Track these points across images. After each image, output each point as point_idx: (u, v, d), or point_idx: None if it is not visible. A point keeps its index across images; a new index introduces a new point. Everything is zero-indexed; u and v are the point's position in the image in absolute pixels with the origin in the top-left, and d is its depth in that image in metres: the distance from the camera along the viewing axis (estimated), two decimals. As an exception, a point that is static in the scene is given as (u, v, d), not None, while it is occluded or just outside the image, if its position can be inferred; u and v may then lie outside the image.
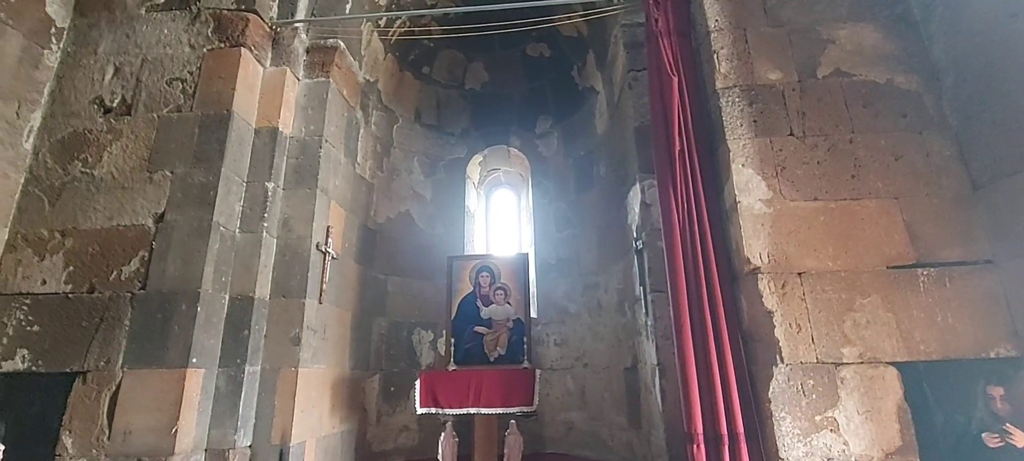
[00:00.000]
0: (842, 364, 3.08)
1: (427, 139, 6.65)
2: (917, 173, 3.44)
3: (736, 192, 3.49)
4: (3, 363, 3.51)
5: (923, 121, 3.56)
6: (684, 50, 4.08)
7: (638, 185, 4.33)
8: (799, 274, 3.27)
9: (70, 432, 3.32)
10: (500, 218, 7.35)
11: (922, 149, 3.49)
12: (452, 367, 4.49)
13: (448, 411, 3.98)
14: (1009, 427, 2.58)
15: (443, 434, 4.21)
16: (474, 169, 7.00)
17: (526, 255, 5.33)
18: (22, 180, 3.98)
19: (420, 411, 4.06)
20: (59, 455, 3.28)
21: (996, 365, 2.96)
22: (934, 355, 3.08)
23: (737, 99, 3.76)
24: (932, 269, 3.23)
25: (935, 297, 3.18)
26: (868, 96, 3.66)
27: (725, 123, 3.68)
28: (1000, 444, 2.58)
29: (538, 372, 4.17)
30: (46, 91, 4.22)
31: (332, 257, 4.45)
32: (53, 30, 4.33)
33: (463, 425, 4.33)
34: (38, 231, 3.83)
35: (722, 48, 3.92)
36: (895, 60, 3.73)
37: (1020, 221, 3.10)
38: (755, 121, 3.68)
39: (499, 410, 3.95)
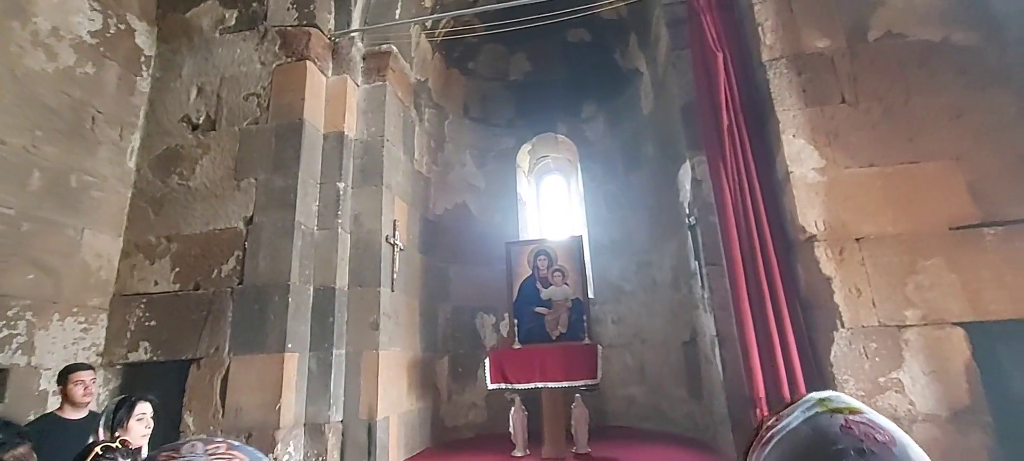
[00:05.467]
0: (905, 326, 3.12)
1: (476, 132, 6.91)
2: (979, 131, 3.38)
3: (788, 163, 3.54)
4: (129, 355, 4.04)
5: (985, 77, 3.49)
6: (727, 25, 4.12)
7: (688, 162, 4.42)
8: (857, 240, 3.31)
9: (190, 411, 3.81)
10: (551, 203, 7.56)
11: (985, 106, 3.43)
12: (517, 346, 4.77)
13: (516, 386, 4.25)
14: None
15: (513, 408, 4.49)
16: (523, 158, 7.22)
17: (580, 237, 5.52)
18: (129, 195, 4.50)
19: (491, 387, 4.35)
20: (182, 431, 3.77)
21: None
22: (1005, 315, 3.06)
23: (784, 70, 3.79)
24: (999, 228, 3.20)
25: (1003, 255, 3.15)
26: (924, 55, 3.61)
27: (773, 95, 3.73)
28: None
29: (599, 347, 4.38)
30: (141, 114, 4.73)
31: (399, 248, 4.79)
32: (142, 58, 4.83)
33: (530, 401, 4.59)
34: (147, 238, 4.35)
35: (766, 20, 3.94)
36: (951, 17, 3.65)
37: (1094, 173, 3.03)
38: (804, 90, 3.70)
39: (564, 384, 4.19)
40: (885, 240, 3.28)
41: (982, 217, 3.23)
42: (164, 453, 0.61)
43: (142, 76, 4.79)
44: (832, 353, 3.12)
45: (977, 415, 2.93)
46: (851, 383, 3.05)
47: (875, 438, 0.49)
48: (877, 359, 3.07)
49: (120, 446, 1.85)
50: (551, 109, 6.98)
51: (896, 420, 2.87)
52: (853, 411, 0.52)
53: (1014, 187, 3.24)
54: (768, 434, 0.54)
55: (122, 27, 4.54)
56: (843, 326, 3.15)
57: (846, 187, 3.44)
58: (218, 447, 0.63)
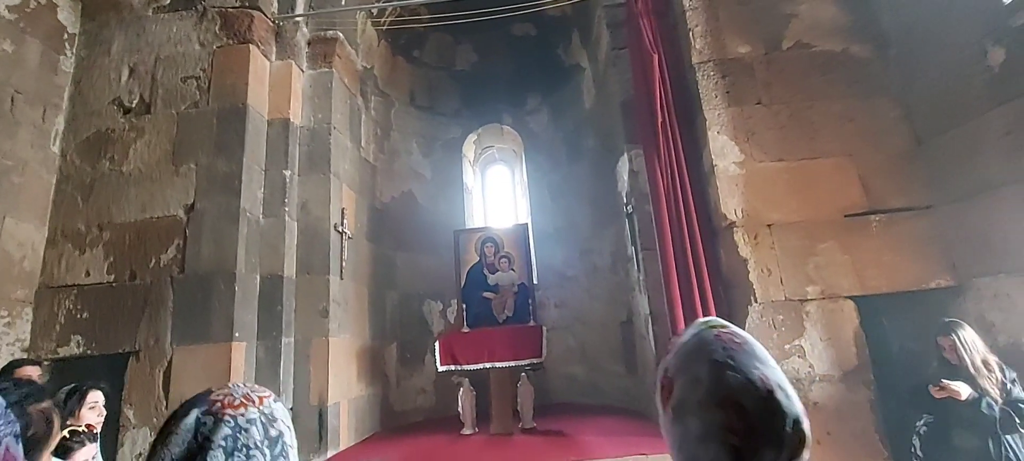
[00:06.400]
0: (807, 301, 3.60)
1: (422, 121, 6.97)
2: (867, 133, 3.92)
3: (713, 157, 3.94)
4: (59, 349, 3.85)
5: (872, 86, 4.03)
6: (663, 28, 4.47)
7: (626, 155, 4.76)
8: (768, 226, 3.76)
9: (131, 404, 3.70)
10: (497, 192, 7.75)
11: (871, 111, 3.97)
12: (466, 329, 4.94)
13: (466, 367, 4.44)
14: (944, 383, 2.65)
15: (462, 389, 4.68)
16: (469, 148, 7.36)
17: (526, 225, 5.77)
18: (54, 180, 4.25)
19: (441, 369, 4.51)
20: (123, 425, 3.67)
21: (936, 296, 3.49)
22: (883, 289, 3.61)
23: (711, 72, 4.17)
24: (882, 215, 3.75)
25: (884, 239, 3.69)
26: (826, 65, 4.11)
27: (701, 95, 4.11)
28: (944, 396, 2.66)
29: (544, 328, 4.65)
30: (66, 95, 4.45)
31: (348, 236, 4.82)
32: (66, 35, 4.53)
33: (478, 382, 4.79)
34: (75, 226, 4.13)
35: (697, 25, 4.31)
36: (850, 31, 4.17)
37: (955, 171, 3.61)
38: (728, 92, 4.11)
39: (511, 363, 4.42)
40: (790, 226, 3.74)
41: (869, 206, 3.77)
42: (214, 393, 0.74)
43: (66, 55, 4.51)
44: (746, 325, 3.54)
45: (862, 374, 3.45)
46: (762, 351, 3.48)
47: (734, 341, 0.74)
48: (783, 329, 3.53)
49: (84, 430, 1.87)
50: (497, 100, 7.16)
51: (798, 381, 3.36)
52: (723, 327, 0.78)
53: (894, 181, 3.80)
54: (670, 345, 0.80)
55: (43, 2, 4.25)
56: (756, 301, 3.58)
57: (760, 179, 3.87)
58: (253, 387, 0.78)
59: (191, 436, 0.68)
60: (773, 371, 0.72)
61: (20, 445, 0.92)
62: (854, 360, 3.47)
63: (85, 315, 3.92)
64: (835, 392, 3.40)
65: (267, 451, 0.70)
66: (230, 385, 0.77)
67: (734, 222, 3.78)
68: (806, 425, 0.70)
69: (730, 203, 3.83)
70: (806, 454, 0.70)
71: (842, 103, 4.00)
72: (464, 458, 3.61)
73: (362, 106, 5.89)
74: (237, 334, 3.82)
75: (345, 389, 4.60)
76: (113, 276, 4.00)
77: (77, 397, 2.24)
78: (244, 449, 0.68)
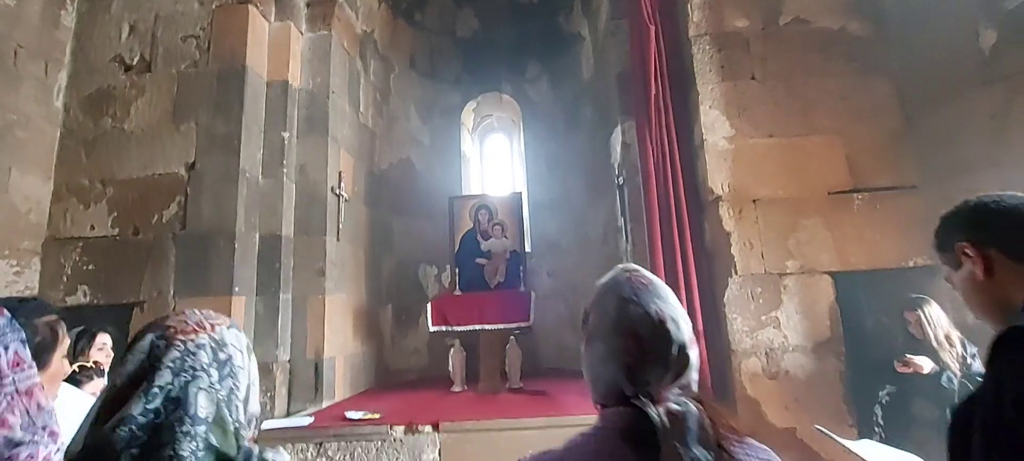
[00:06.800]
0: (786, 274, 3.71)
1: (422, 87, 6.98)
2: (859, 111, 3.95)
3: (703, 131, 3.99)
4: (67, 298, 4.02)
5: (869, 64, 4.04)
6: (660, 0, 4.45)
7: (619, 127, 4.81)
8: (754, 201, 3.84)
9: (135, 352, 3.88)
10: (494, 161, 7.81)
11: (866, 90, 3.99)
12: (458, 292, 5.10)
13: (457, 328, 4.62)
14: (907, 358, 2.78)
15: (452, 349, 4.87)
16: (468, 116, 7.39)
17: (520, 194, 5.86)
18: (58, 135, 4.35)
19: (432, 329, 4.69)
20: (128, 372, 3.86)
21: (915, 274, 3.59)
22: (862, 266, 3.71)
23: (707, 46, 4.18)
24: (866, 194, 3.82)
25: (866, 217, 3.77)
26: (823, 42, 4.11)
27: (696, 69, 4.12)
28: (908, 371, 2.78)
29: (533, 294, 4.80)
30: (68, 50, 4.51)
31: (345, 199, 4.93)
32: (67, -10, 4.56)
33: (468, 345, 4.96)
34: (79, 182, 4.25)
35: (694, -2, 4.29)
36: (849, 8, 4.15)
37: (942, 150, 3.66)
38: (722, 66, 4.13)
39: (501, 326, 4.59)
40: (776, 202, 3.82)
41: (854, 184, 3.83)
42: (170, 320, 0.83)
43: (67, 10, 4.54)
44: (726, 296, 3.67)
45: (833, 345, 3.58)
46: (739, 320, 3.62)
47: (641, 282, 0.87)
48: (761, 301, 3.65)
49: (93, 366, 2.03)
50: (497, 68, 7.14)
51: (772, 350, 3.49)
52: (635, 271, 0.90)
53: (880, 160, 3.86)
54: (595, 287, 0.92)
55: (43, -45, 4.27)
56: (736, 273, 3.69)
57: (749, 155, 3.93)
58: (208, 314, 0.87)
59: (144, 356, 0.76)
60: (669, 307, 0.84)
61: (28, 349, 1.02)
62: (827, 332, 3.60)
63: (91, 267, 4.07)
64: (807, 362, 3.54)
65: (214, 372, 0.78)
66: (186, 312, 0.86)
67: (720, 196, 3.86)
68: (692, 352, 0.82)
69: (717, 178, 3.90)
70: (693, 375, 0.82)
71: (837, 81, 4.01)
72: (451, 411, 3.80)
73: (361, 70, 5.91)
74: (236, 289, 3.98)
75: (341, 345, 4.78)
76: (117, 230, 4.14)
77: (87, 338, 2.40)
78: (191, 370, 0.76)
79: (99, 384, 2.06)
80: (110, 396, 0.74)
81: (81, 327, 2.48)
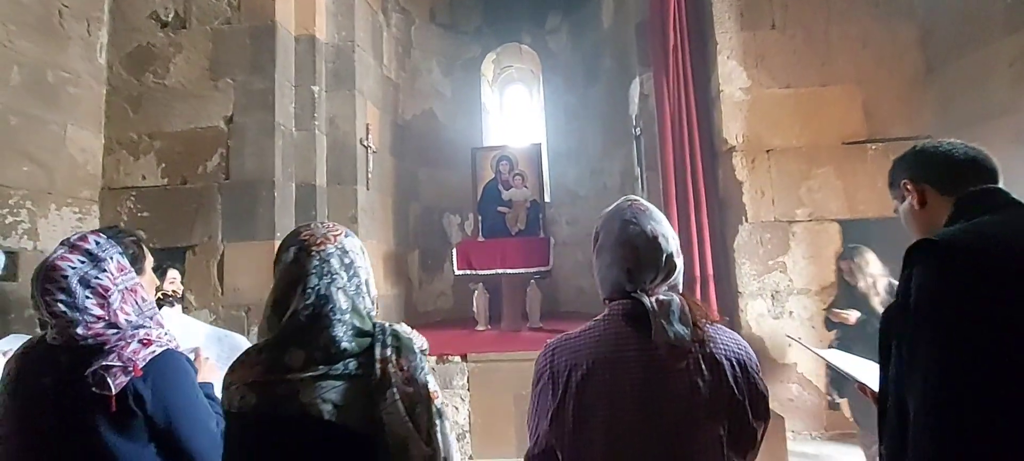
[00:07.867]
0: (795, 222, 3.87)
1: (443, 39, 7.05)
2: (880, 58, 3.96)
3: (720, 82, 4.06)
4: (125, 242, 4.40)
5: (894, 8, 4.00)
6: (682, -54, 4.41)
7: (638, 79, 4.87)
8: (767, 151, 3.95)
9: (191, 290, 4.29)
10: (513, 112, 7.92)
11: (889, 35, 3.97)
12: (481, 239, 5.39)
13: (480, 271, 4.92)
14: (835, 311, 2.98)
15: (476, 292, 5.20)
16: (488, 67, 7.45)
17: (539, 145, 6.02)
18: (104, 91, 4.63)
19: (457, 273, 5.00)
20: (186, 309, 4.27)
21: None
22: (870, 214, 3.83)
23: (727, -6, 4.18)
24: (880, 144, 3.89)
25: (879, 166, 3.85)
26: (848, -17, 4.07)
27: (715, 18, 4.15)
28: (838, 321, 2.95)
29: (552, 240, 5.05)
30: (106, 8, 4.71)
31: (372, 151, 5.17)
32: (102, -52, 4.71)
33: (491, 288, 5.27)
34: (128, 135, 4.55)
35: (717, -57, 4.25)
36: (876, -50, 4.08)
37: (961, 99, 3.69)
38: (742, 15, 4.14)
39: (521, 270, 4.87)
40: (789, 151, 3.93)
41: (868, 134, 3.91)
42: (303, 233, 1.08)
43: (101, -33, 4.72)
44: (736, 241, 3.86)
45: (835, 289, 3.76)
46: (747, 265, 3.82)
47: (640, 208, 1.10)
48: (769, 247, 3.84)
49: (172, 294, 2.37)
50: (517, 18, 7.13)
51: (777, 292, 3.70)
52: (636, 200, 1.13)
53: (897, 110, 3.90)
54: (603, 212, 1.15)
55: (78, -87, 4.41)
56: (747, 221, 3.87)
57: (765, 105, 4.01)
58: (329, 226, 1.11)
59: (292, 263, 1.02)
60: (661, 226, 1.08)
61: (125, 259, 1.28)
62: (831, 277, 3.77)
63: (145, 214, 4.44)
64: (810, 303, 3.75)
65: (344, 275, 1.03)
66: (312, 225, 1.11)
67: (734, 147, 3.98)
68: (678, 261, 1.07)
69: (732, 128, 4.00)
70: (678, 277, 1.08)
71: (860, 26, 4.00)
72: (477, 345, 4.15)
73: (383, 23, 6.01)
74: (278, 234, 4.31)
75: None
76: (167, 181, 4.46)
77: (159, 272, 2.74)
78: (329, 274, 1.01)
79: (177, 309, 2.39)
80: (276, 296, 1.01)
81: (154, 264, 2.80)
